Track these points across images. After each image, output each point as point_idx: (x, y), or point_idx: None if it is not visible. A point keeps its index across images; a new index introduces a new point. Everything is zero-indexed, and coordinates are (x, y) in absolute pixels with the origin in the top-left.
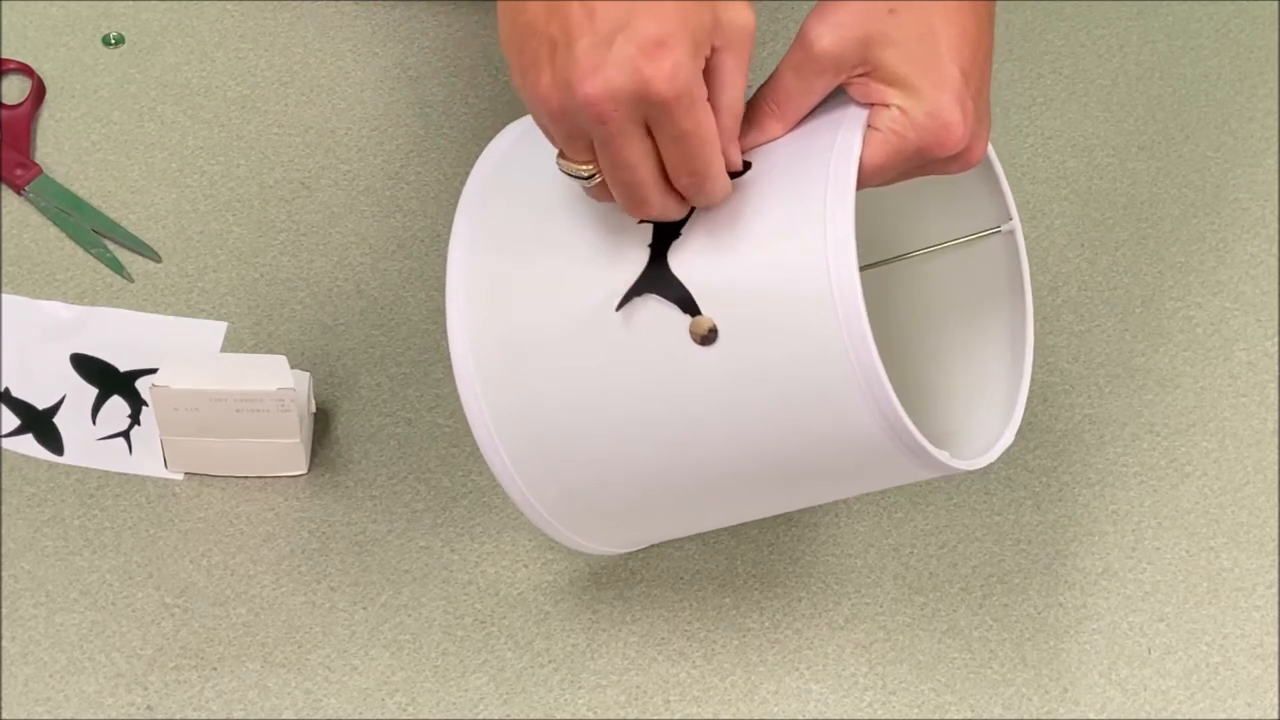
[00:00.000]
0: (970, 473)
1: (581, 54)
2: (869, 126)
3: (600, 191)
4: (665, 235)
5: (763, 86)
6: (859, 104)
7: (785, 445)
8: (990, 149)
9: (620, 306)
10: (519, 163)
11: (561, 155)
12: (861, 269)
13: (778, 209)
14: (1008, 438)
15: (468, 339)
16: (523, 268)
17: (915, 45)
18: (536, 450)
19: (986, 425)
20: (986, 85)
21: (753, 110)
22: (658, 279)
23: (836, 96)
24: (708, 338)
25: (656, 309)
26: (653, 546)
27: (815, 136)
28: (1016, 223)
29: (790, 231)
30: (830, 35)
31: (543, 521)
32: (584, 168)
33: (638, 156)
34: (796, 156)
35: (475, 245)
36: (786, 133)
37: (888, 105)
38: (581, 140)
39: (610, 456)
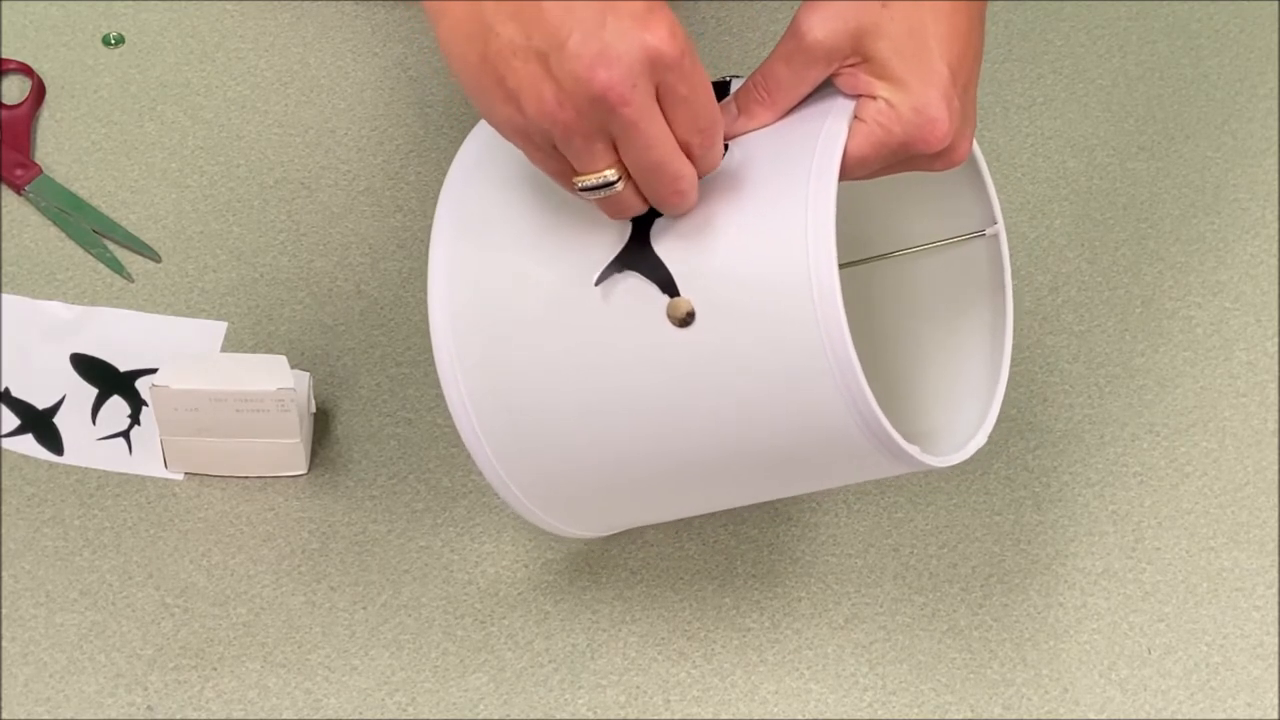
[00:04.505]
0: (944, 469)
1: (579, 47)
2: (855, 118)
3: (621, 201)
4: (647, 213)
5: (754, 74)
6: (847, 96)
7: (758, 432)
8: (977, 151)
9: (599, 281)
10: (501, 149)
11: (576, 174)
12: (845, 266)
13: (761, 197)
14: (980, 438)
15: (448, 319)
16: (504, 247)
17: (906, 40)
18: (513, 432)
19: (966, 425)
20: (974, 85)
21: (743, 98)
22: (639, 257)
23: (825, 88)
24: (685, 320)
25: (635, 287)
26: (653, 546)
27: (802, 126)
28: (1001, 226)
29: (772, 221)
30: (823, 26)
31: (519, 504)
32: (608, 172)
33: (661, 129)
34: (782, 145)
35: (458, 229)
36: (775, 121)
37: (875, 98)
38: (601, 141)
39: (585, 438)
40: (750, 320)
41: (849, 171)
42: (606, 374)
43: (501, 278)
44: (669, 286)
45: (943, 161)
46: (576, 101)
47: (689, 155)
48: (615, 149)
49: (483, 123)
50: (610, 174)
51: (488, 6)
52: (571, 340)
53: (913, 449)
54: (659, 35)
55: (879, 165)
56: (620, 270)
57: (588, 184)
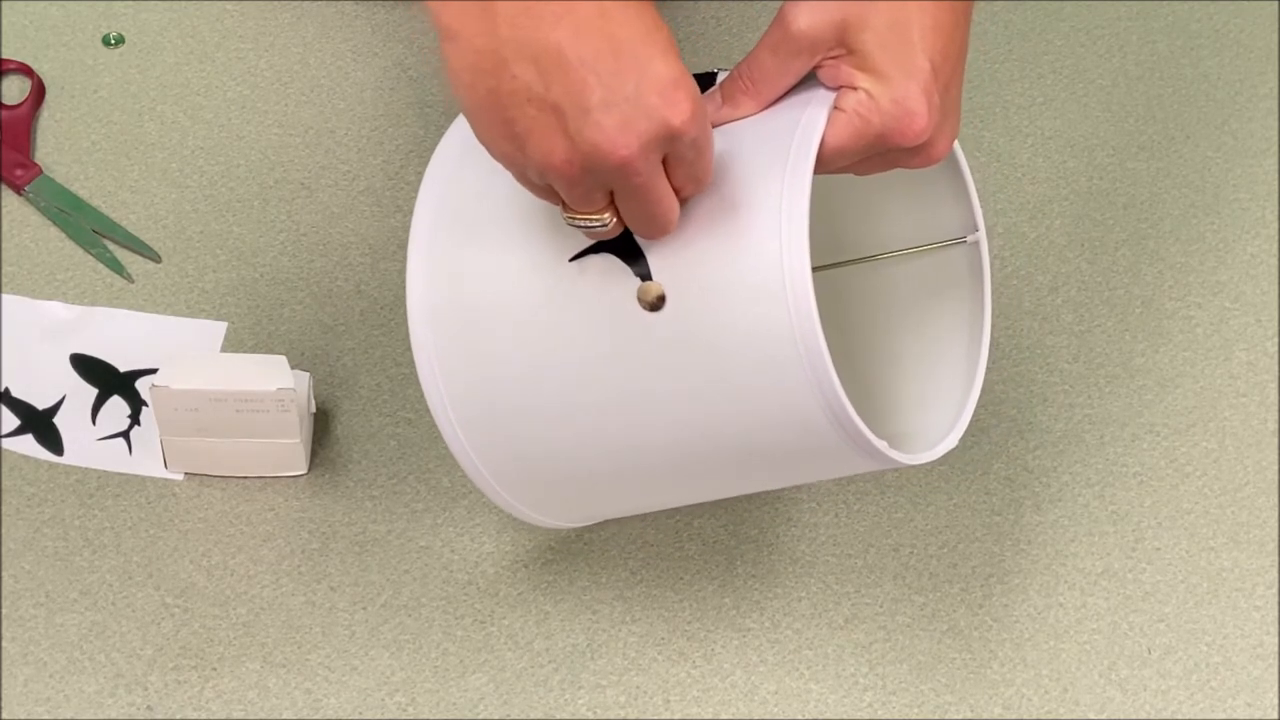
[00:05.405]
0: (927, 468)
1: (601, 115)
2: (835, 108)
3: (607, 234)
4: None
5: (740, 64)
6: (828, 87)
7: (727, 421)
8: (961, 156)
9: (574, 258)
10: (478, 149)
11: (567, 210)
12: (825, 268)
13: (739, 185)
14: (951, 440)
15: (426, 309)
16: (481, 233)
17: (889, 33)
18: (488, 418)
19: (942, 427)
20: (956, 83)
21: (728, 87)
22: (618, 241)
23: (809, 80)
24: (656, 304)
25: (609, 269)
26: (653, 546)
27: (783, 115)
28: (982, 234)
29: (747, 206)
30: (807, 16)
31: (492, 491)
32: (603, 215)
33: (664, 188)
34: (763, 134)
35: (436, 219)
36: (759, 111)
37: (856, 88)
38: (600, 191)
39: (557, 420)
40: (721, 305)
41: (827, 162)
42: (577, 358)
43: (477, 263)
44: (642, 270)
45: (921, 157)
46: (587, 164)
47: (678, 195)
48: (611, 195)
49: (456, 123)
50: (605, 217)
51: (507, 44)
52: (543, 323)
53: (880, 443)
54: (682, 114)
55: (857, 156)
56: (596, 251)
57: (579, 223)
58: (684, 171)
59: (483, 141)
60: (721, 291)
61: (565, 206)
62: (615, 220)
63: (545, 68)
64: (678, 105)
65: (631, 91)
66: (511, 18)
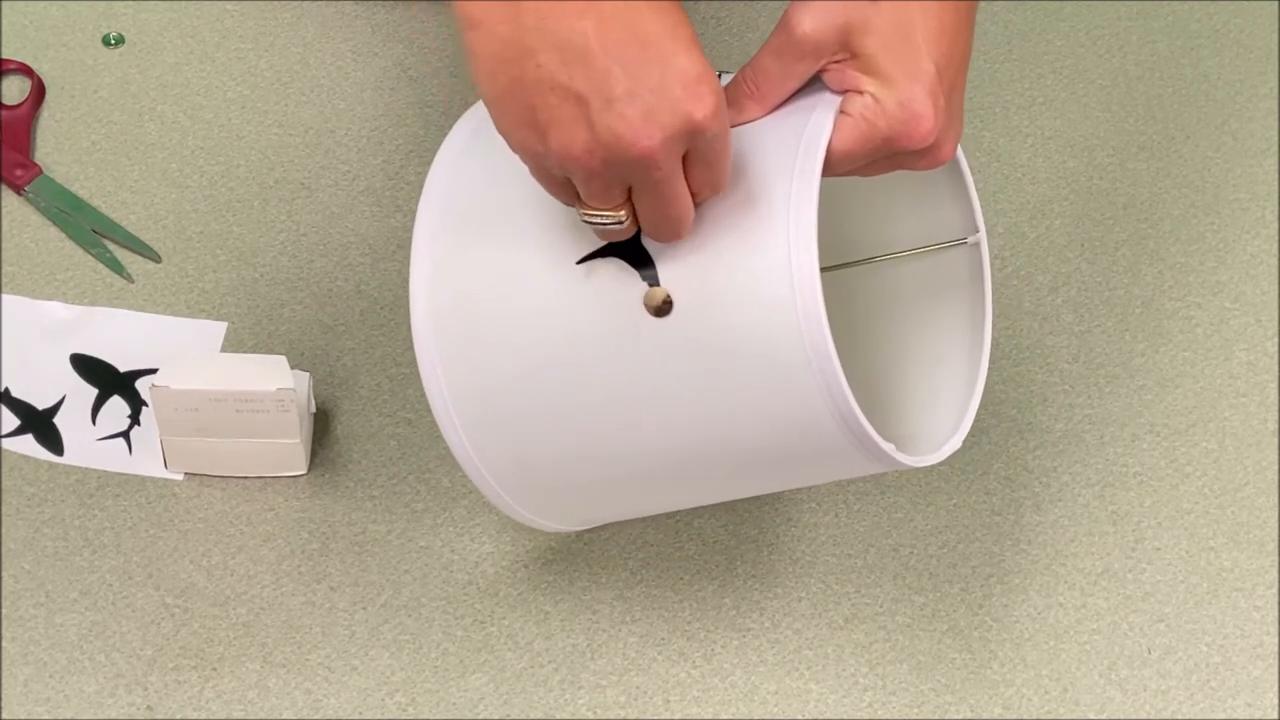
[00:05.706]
0: (929, 470)
1: (625, 106)
2: (841, 112)
3: (620, 233)
4: None
5: (744, 69)
6: (833, 91)
7: (734, 425)
8: (962, 158)
9: (582, 260)
10: (489, 141)
11: (583, 205)
12: (827, 270)
13: (746, 189)
14: (955, 442)
15: (429, 306)
16: (487, 236)
17: (894, 36)
18: (490, 420)
19: (946, 429)
20: (960, 85)
21: (733, 92)
22: (624, 243)
23: (813, 84)
24: (661, 310)
25: (616, 274)
26: (653, 546)
27: (788, 120)
28: (983, 235)
29: (755, 211)
30: (811, 20)
31: (493, 493)
32: (618, 213)
33: (682, 187)
34: (769, 139)
35: (441, 219)
36: (764, 115)
37: (861, 92)
38: (619, 186)
39: (561, 421)
40: (729, 309)
41: (833, 166)
42: (582, 359)
43: (482, 263)
44: (650, 275)
45: (927, 160)
46: (608, 155)
47: (694, 198)
48: (629, 191)
49: (469, 114)
50: (620, 215)
51: (531, 32)
52: (548, 325)
53: (887, 445)
54: (705, 110)
55: (863, 160)
56: (605, 255)
57: (593, 220)
58: (703, 172)
59: (502, 131)
60: (729, 296)
61: (581, 202)
62: (630, 220)
63: (569, 57)
64: (702, 99)
65: (656, 83)
66: (536, 7)
